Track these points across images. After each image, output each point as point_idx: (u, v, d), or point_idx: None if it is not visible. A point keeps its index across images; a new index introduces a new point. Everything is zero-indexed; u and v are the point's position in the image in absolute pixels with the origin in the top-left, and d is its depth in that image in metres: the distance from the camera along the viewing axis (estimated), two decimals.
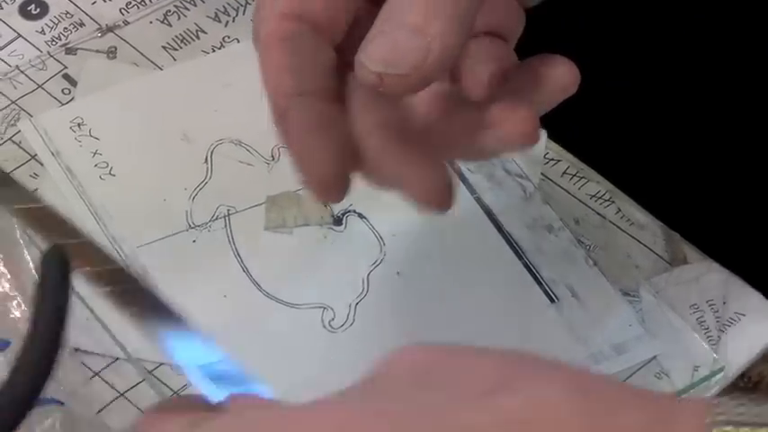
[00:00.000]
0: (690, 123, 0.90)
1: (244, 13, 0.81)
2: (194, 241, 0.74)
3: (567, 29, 0.87)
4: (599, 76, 0.87)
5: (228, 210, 0.75)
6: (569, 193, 0.77)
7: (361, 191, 0.72)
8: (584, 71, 0.87)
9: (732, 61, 0.91)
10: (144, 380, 0.71)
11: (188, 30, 0.80)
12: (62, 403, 0.70)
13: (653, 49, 0.90)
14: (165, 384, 0.70)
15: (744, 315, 0.73)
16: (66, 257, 0.63)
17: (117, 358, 0.71)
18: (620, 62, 0.90)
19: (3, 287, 0.72)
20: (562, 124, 0.78)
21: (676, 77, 0.91)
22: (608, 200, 0.77)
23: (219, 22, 0.81)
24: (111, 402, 0.70)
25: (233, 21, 0.81)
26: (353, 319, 0.72)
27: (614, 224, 0.76)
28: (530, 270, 0.74)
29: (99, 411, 0.70)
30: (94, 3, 0.81)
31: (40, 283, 0.63)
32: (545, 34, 0.86)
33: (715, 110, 0.91)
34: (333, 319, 0.72)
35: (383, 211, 0.76)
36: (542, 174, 0.77)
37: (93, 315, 0.72)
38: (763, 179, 0.91)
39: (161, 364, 0.70)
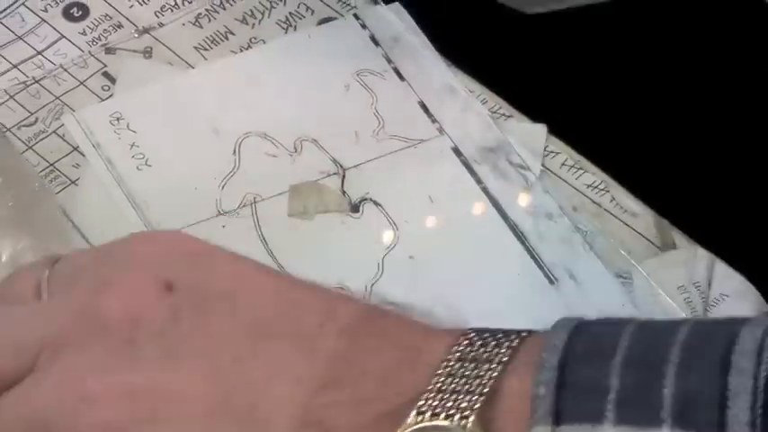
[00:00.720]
0: (677, 121, 0.89)
1: (269, 16, 0.81)
2: (223, 227, 0.74)
3: (564, 29, 0.86)
4: (598, 76, 0.87)
5: (255, 198, 0.75)
6: (567, 183, 0.77)
7: (375, 180, 0.75)
8: (584, 71, 0.87)
9: (721, 57, 0.90)
10: None
11: (218, 31, 0.81)
12: None
13: (645, 53, 0.89)
14: None
15: (727, 296, 0.73)
16: None
17: None
18: (616, 64, 0.89)
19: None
20: (562, 119, 0.79)
21: (668, 78, 0.89)
22: (603, 189, 0.77)
23: (247, 24, 0.81)
24: None
25: (259, 23, 0.81)
26: (370, 299, 0.72)
27: (609, 212, 0.76)
28: (531, 254, 0.74)
29: None
30: (132, 6, 0.82)
31: None
32: (546, 34, 0.86)
33: (701, 110, 0.89)
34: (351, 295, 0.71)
35: (397, 198, 0.76)
36: (543, 165, 0.77)
37: None
38: (746, 169, 0.92)
39: None
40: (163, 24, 0.81)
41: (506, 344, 0.52)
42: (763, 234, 0.87)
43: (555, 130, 0.78)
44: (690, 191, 0.81)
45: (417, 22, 0.81)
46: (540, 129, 0.78)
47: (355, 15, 0.81)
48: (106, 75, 0.79)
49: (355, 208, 0.75)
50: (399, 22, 0.81)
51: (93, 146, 0.76)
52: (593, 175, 0.77)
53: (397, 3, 0.81)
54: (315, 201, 0.76)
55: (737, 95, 0.91)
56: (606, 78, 0.87)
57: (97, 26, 0.81)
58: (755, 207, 0.89)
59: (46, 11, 0.81)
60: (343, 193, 0.76)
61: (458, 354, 0.52)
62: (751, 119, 0.93)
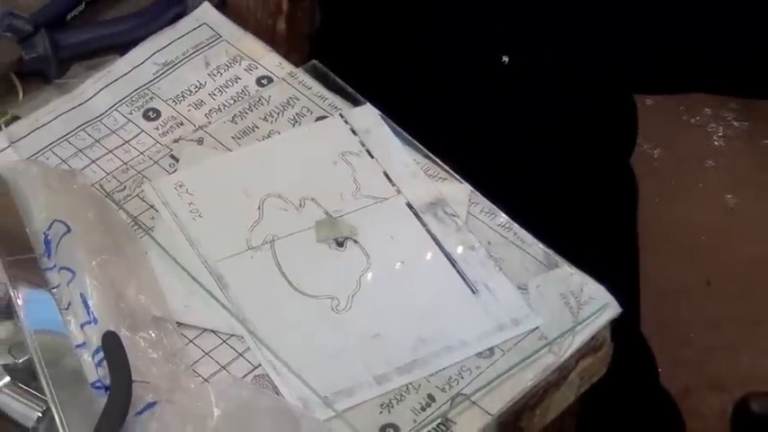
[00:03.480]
0: (550, 185, 0.90)
1: (282, 116, 0.82)
2: (251, 257, 0.76)
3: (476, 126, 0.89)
4: (499, 154, 0.90)
5: (273, 237, 0.76)
6: (484, 224, 0.78)
7: (356, 227, 0.76)
8: (491, 151, 0.89)
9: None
10: (221, 344, 0.72)
11: (247, 126, 0.82)
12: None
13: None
14: (233, 348, 0.72)
15: (594, 299, 0.74)
16: (120, 340, 0.68)
17: (204, 329, 0.73)
18: (511, 147, 0.90)
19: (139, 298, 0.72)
20: (480, 181, 0.79)
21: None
22: (508, 227, 0.78)
23: (267, 121, 0.82)
24: (200, 359, 0.72)
25: (275, 120, 0.82)
26: (351, 306, 0.74)
27: (513, 243, 0.77)
28: (460, 273, 0.76)
29: (192, 365, 0.71)
30: (189, 111, 0.83)
31: (109, 360, 0.67)
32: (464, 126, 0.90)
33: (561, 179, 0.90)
34: (338, 305, 0.74)
35: (369, 237, 0.77)
36: (468, 212, 0.78)
37: (189, 303, 0.74)
38: (605, 217, 0.94)
39: (231, 335, 0.72)
40: (210, 123, 0.83)
41: None
42: (612, 260, 0.90)
43: (476, 188, 0.79)
44: (566, 228, 0.83)
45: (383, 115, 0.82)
46: (465, 187, 0.79)
47: (340, 115, 0.82)
48: (172, 156, 0.81)
49: (341, 244, 0.77)
50: (370, 119, 0.82)
51: (164, 204, 0.78)
52: (501, 218, 0.78)
53: (368, 104, 0.82)
54: (333, 230, 0.77)
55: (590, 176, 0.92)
56: (504, 155, 0.90)
57: (166, 124, 0.83)
58: (608, 243, 0.93)
59: (131, 114, 0.83)
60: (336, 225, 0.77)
61: None
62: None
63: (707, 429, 1.16)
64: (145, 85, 0.84)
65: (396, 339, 0.73)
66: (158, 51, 0.86)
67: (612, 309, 0.75)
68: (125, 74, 0.85)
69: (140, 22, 0.86)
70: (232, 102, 0.84)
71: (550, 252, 0.77)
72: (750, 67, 0.85)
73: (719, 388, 1.20)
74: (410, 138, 0.81)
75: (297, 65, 0.85)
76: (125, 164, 0.81)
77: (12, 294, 0.73)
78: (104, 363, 0.69)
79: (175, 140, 0.82)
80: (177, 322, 0.73)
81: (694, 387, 1.20)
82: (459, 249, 0.77)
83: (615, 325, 0.75)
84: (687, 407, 1.10)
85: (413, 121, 0.83)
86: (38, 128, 0.82)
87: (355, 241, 0.77)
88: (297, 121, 0.83)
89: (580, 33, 0.84)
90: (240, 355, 0.72)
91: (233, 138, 0.82)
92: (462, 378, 0.72)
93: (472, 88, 0.89)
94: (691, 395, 1.17)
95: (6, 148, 0.81)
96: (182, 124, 0.83)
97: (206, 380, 0.71)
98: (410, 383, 0.71)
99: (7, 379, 0.69)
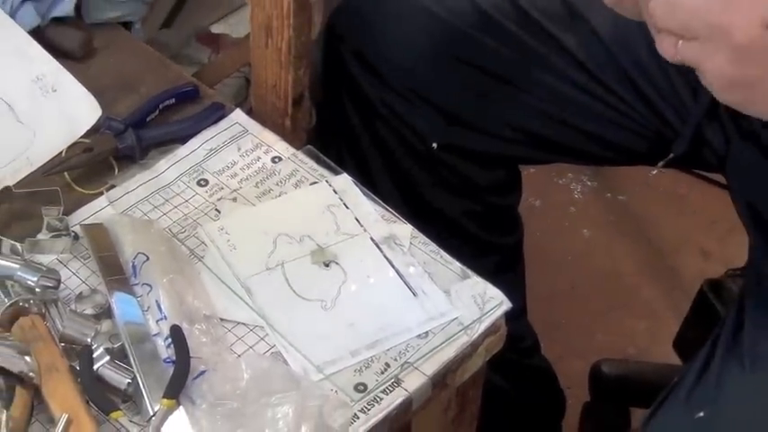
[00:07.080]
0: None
1: (288, 182, 0.82)
2: (269, 275, 0.75)
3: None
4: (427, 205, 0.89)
5: (283, 262, 0.75)
6: (421, 250, 0.77)
7: (336, 253, 0.75)
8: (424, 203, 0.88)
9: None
10: (249, 332, 0.72)
11: (266, 189, 0.82)
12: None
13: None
14: (257, 335, 0.71)
15: (493, 298, 0.74)
16: (182, 331, 0.67)
17: (238, 323, 0.73)
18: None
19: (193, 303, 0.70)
20: (418, 223, 0.79)
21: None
22: (437, 252, 0.76)
23: (278, 186, 0.82)
24: (235, 342, 0.70)
25: (283, 185, 0.82)
26: (335, 305, 0.73)
27: (440, 263, 0.75)
28: (405, 283, 0.75)
29: (230, 346, 0.70)
30: (227, 180, 0.82)
31: (175, 344, 0.67)
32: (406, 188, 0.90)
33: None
34: (326, 306, 0.73)
35: (346, 260, 0.76)
36: (410, 243, 0.77)
37: (228, 306, 0.74)
38: (501, 243, 0.93)
39: (256, 326, 0.71)
40: (241, 187, 0.82)
41: None
42: (506, 273, 0.90)
43: (416, 227, 0.79)
44: (476, 253, 0.83)
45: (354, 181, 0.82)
46: (408, 227, 0.79)
47: (326, 181, 0.82)
48: (216, 209, 0.80)
49: (327, 265, 0.76)
50: (346, 183, 0.82)
51: (211, 241, 0.77)
52: (432, 245, 0.76)
53: (345, 174, 0.82)
54: (322, 256, 0.76)
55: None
56: (433, 207, 0.90)
57: (212, 189, 0.82)
58: (504, 262, 0.92)
59: (189, 182, 0.82)
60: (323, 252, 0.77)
61: None
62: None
63: (573, 385, 1.18)
64: (198, 163, 0.85)
65: (364, 327, 0.73)
66: (207, 141, 0.86)
67: (506, 305, 0.75)
68: (185, 156, 0.85)
69: (195, 122, 0.87)
70: (255, 173, 0.84)
71: (465, 268, 0.77)
72: (595, 150, 0.87)
73: (581, 356, 1.22)
74: (372, 195, 0.82)
75: (298, 149, 0.85)
76: (185, 215, 0.80)
77: (110, 301, 0.73)
78: (172, 345, 0.70)
79: (218, 199, 0.82)
80: (220, 318, 0.73)
81: (564, 356, 1.22)
82: (406, 268, 0.77)
83: (509, 316, 0.75)
84: (559, 369, 1.12)
85: (374, 185, 0.84)
86: (127, 192, 0.82)
87: (337, 263, 0.77)
88: (298, 186, 0.83)
89: (487, 132, 0.86)
90: (261, 339, 0.72)
91: (256, 197, 0.82)
92: (408, 352, 0.72)
93: (411, 163, 0.90)
94: (562, 361, 1.18)
95: (107, 206, 0.81)
96: (222, 188, 0.83)
97: (239, 356, 0.71)
98: (373, 356, 0.71)
99: (108, 358, 0.70)
